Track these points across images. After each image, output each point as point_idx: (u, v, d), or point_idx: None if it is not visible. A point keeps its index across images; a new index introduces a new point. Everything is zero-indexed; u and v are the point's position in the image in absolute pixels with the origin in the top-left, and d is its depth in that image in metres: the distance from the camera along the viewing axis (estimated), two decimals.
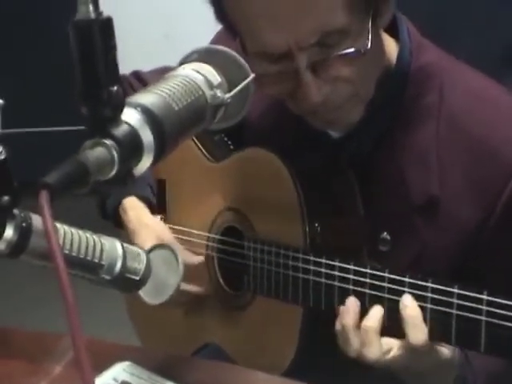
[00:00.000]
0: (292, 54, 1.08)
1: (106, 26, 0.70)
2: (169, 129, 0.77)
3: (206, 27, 1.23)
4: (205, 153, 1.40)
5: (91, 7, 0.70)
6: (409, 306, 1.06)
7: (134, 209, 1.37)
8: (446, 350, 1.11)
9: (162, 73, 1.40)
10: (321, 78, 1.10)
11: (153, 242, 1.29)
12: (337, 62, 1.09)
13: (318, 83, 1.10)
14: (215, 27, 1.25)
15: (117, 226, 1.39)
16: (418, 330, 1.06)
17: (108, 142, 0.71)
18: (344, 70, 1.11)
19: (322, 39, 1.07)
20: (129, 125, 0.73)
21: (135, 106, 0.75)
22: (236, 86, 0.90)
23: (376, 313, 1.10)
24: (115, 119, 0.72)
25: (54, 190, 0.64)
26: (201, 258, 1.37)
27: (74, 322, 0.56)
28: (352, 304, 1.11)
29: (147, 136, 0.74)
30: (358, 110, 1.17)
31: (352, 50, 1.09)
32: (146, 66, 1.52)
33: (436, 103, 1.18)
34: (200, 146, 1.40)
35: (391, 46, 1.22)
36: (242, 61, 0.92)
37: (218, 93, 0.86)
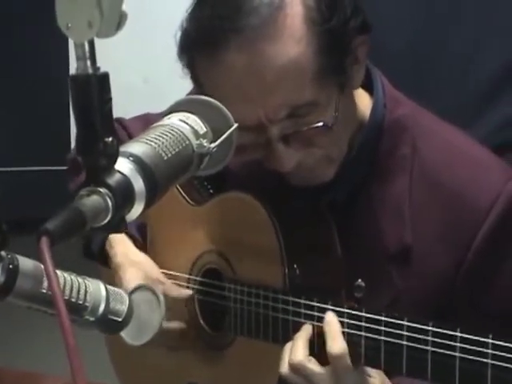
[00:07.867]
0: (263, 126, 1.13)
1: (102, 81, 0.74)
2: (159, 177, 0.80)
3: (185, 72, 1.26)
4: (185, 196, 1.42)
5: (89, 63, 0.73)
6: (330, 319, 1.13)
7: (121, 244, 1.38)
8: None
9: (144, 120, 1.44)
10: (292, 147, 1.15)
11: (139, 278, 1.30)
12: (307, 132, 1.14)
13: (290, 152, 1.15)
14: None
15: (101, 262, 1.39)
16: (335, 339, 1.11)
17: (103, 190, 0.74)
18: (315, 139, 1.15)
19: (292, 111, 1.12)
20: (122, 174, 0.76)
21: (127, 155, 0.78)
22: (220, 134, 0.93)
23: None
24: (109, 168, 0.76)
25: (53, 236, 0.67)
26: (189, 292, 1.38)
27: (75, 364, 0.58)
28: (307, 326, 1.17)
29: (139, 184, 0.77)
30: (331, 170, 1.21)
31: (320, 124, 1.13)
32: (124, 110, 1.54)
33: (409, 156, 1.22)
34: (180, 190, 1.42)
35: (365, 100, 1.25)
36: (226, 110, 0.95)
37: (204, 142, 0.89)
